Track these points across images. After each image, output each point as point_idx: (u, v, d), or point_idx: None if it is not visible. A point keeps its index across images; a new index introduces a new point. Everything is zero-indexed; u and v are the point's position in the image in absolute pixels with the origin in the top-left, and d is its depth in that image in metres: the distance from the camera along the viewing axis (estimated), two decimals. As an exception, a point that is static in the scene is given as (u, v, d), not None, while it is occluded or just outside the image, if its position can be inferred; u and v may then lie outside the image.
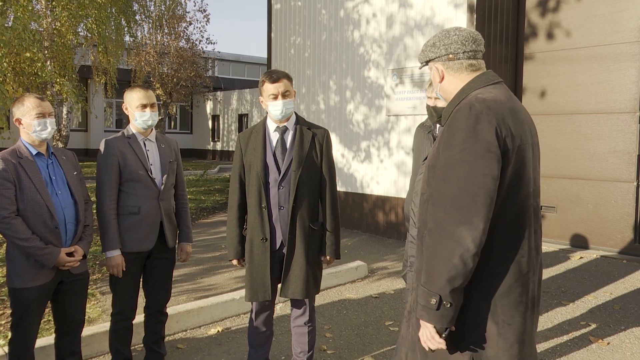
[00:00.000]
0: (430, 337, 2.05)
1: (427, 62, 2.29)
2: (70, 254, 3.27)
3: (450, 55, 2.22)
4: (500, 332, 2.10)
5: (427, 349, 2.12)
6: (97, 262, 6.61)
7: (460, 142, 2.00)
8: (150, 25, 23.16)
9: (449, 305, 1.98)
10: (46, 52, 12.97)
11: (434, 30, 7.68)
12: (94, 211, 3.68)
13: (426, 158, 3.81)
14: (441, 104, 3.70)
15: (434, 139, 3.83)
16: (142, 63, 23.09)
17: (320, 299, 5.51)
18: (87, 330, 4.15)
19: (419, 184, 3.71)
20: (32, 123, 3.20)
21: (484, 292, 2.08)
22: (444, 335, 2.05)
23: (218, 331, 4.77)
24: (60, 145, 17.04)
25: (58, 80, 12.58)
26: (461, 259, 1.95)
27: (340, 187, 9.16)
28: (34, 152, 3.26)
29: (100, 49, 14.63)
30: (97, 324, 4.68)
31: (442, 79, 2.25)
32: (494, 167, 1.98)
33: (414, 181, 3.91)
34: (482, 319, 2.09)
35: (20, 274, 3.18)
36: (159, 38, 24.06)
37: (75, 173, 3.44)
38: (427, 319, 2.02)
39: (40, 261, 3.15)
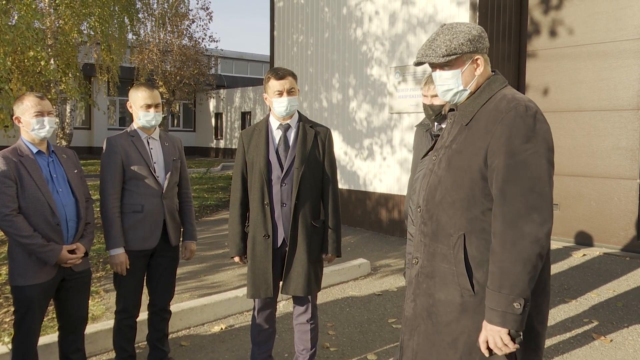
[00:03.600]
0: (503, 344, 2.00)
1: (466, 53, 2.17)
2: (72, 252, 3.29)
3: (487, 48, 2.24)
4: (540, 328, 2.15)
5: (487, 355, 2.07)
6: (101, 260, 6.64)
7: (523, 143, 2.00)
8: (153, 23, 23.14)
9: (527, 307, 1.98)
10: (50, 50, 12.98)
11: (437, 27, 7.66)
12: (97, 209, 3.69)
13: (424, 155, 3.82)
14: (438, 101, 3.71)
15: (432, 137, 3.85)
16: (145, 61, 23.11)
17: (323, 297, 5.52)
18: (91, 328, 4.17)
19: (417, 182, 3.69)
20: (30, 121, 3.22)
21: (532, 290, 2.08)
22: (519, 340, 2.01)
23: (221, 328, 4.78)
24: (64, 143, 17.07)
25: (62, 78, 12.61)
26: (539, 257, 1.97)
27: (343, 185, 9.17)
28: (35, 150, 3.28)
29: (103, 47, 14.64)
30: (101, 321, 4.70)
31: (480, 71, 2.21)
32: (552, 165, 2.04)
33: (412, 179, 3.92)
34: (527, 317, 2.09)
35: (22, 272, 3.19)
36: (162, 36, 24.09)
37: (75, 171, 3.45)
38: (508, 325, 1.97)
39: (42, 258, 3.17)
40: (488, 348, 2.05)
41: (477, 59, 2.19)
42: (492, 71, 2.28)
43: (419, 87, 7.86)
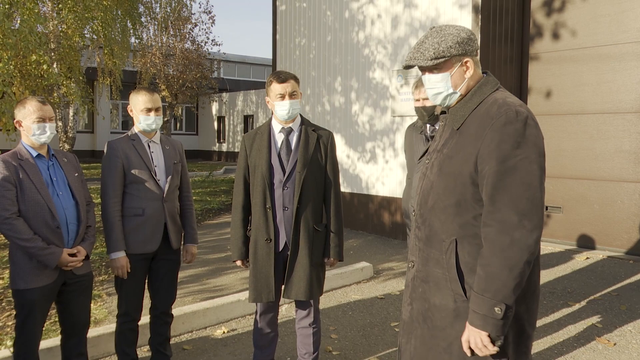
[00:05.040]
0: (483, 345, 2.01)
1: (455, 56, 2.16)
2: (72, 255, 3.28)
3: (478, 50, 2.23)
4: (530, 331, 2.16)
5: (468, 354, 2.08)
6: (104, 264, 6.63)
7: (514, 148, 2.00)
8: (156, 27, 23.19)
9: (510, 313, 1.98)
10: (53, 54, 13.02)
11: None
12: (99, 213, 3.69)
13: (422, 156, 3.89)
14: (430, 103, 3.80)
15: (427, 138, 3.92)
16: (148, 65, 23.15)
17: (325, 300, 5.51)
18: (93, 332, 4.16)
19: (417, 182, 3.72)
20: (32, 127, 3.22)
21: (521, 294, 2.09)
22: (498, 344, 2.01)
23: (224, 332, 4.78)
24: (67, 146, 17.10)
25: (64, 82, 12.63)
26: (527, 264, 1.97)
27: (345, 188, 9.16)
28: (35, 154, 3.28)
29: (106, 51, 14.68)
30: (103, 325, 4.69)
31: (470, 74, 2.20)
32: (544, 171, 2.02)
33: (411, 179, 3.99)
34: (519, 320, 2.11)
35: (23, 275, 3.19)
36: (165, 40, 24.12)
37: (76, 175, 3.45)
38: (488, 328, 1.98)
39: (42, 261, 3.16)
40: (470, 347, 2.07)
41: (466, 62, 2.18)
42: (483, 73, 2.27)
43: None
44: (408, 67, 2.27)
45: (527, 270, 1.98)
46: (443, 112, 2.34)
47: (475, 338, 2.02)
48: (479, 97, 2.17)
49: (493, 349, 2.01)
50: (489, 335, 1.99)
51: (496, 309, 1.96)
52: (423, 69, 2.24)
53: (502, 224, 1.98)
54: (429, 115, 3.87)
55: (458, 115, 2.20)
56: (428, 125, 4.00)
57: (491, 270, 1.97)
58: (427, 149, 3.83)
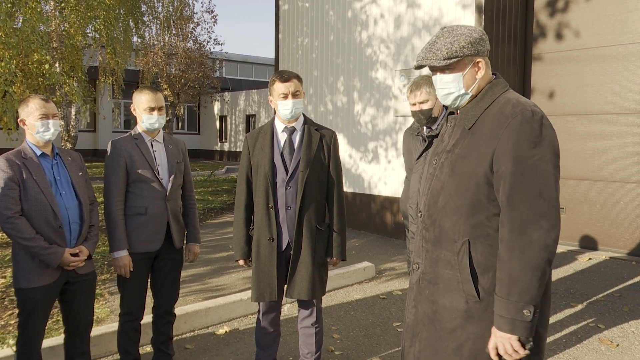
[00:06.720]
0: (514, 350, 1.99)
1: (467, 56, 2.15)
2: (75, 254, 3.28)
3: (489, 51, 2.22)
4: (542, 332, 2.16)
5: None
6: (106, 263, 6.64)
7: (530, 149, 1.99)
8: (158, 27, 23.22)
9: (537, 314, 1.97)
10: (55, 53, 13.02)
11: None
12: (102, 212, 3.69)
13: (419, 157, 3.89)
14: (426, 106, 3.80)
15: (424, 139, 3.93)
16: (150, 64, 23.14)
17: (327, 300, 5.50)
18: (95, 331, 4.16)
19: (417, 183, 3.73)
20: (35, 124, 3.22)
21: None
22: (529, 346, 2.00)
23: (226, 331, 4.77)
24: (69, 145, 17.10)
25: (67, 81, 12.64)
26: (548, 263, 1.96)
27: (347, 188, 9.16)
28: (39, 152, 3.28)
29: (108, 50, 14.69)
30: (105, 324, 4.69)
31: (482, 74, 2.19)
32: (559, 170, 2.03)
33: (409, 180, 3.99)
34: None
35: (25, 274, 3.19)
36: (167, 39, 24.11)
37: (80, 174, 3.45)
38: (518, 332, 1.96)
39: (44, 261, 3.16)
40: (498, 354, 2.04)
41: (478, 62, 2.17)
42: (492, 74, 2.26)
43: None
44: (420, 67, 2.24)
45: (549, 269, 1.98)
46: (451, 113, 2.33)
47: (505, 344, 1.99)
48: (490, 97, 2.16)
49: (524, 353, 1.99)
50: (518, 339, 1.97)
51: (525, 311, 1.94)
52: (435, 69, 2.22)
53: (520, 225, 1.97)
54: (426, 118, 3.87)
55: (469, 115, 2.18)
56: (424, 127, 4.00)
57: (513, 273, 1.96)
58: (424, 150, 3.87)
